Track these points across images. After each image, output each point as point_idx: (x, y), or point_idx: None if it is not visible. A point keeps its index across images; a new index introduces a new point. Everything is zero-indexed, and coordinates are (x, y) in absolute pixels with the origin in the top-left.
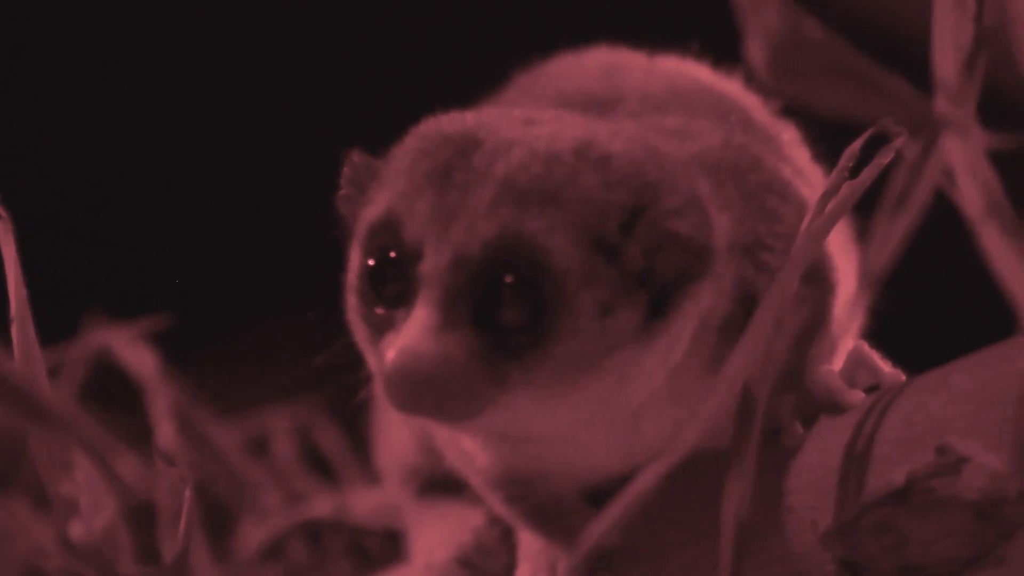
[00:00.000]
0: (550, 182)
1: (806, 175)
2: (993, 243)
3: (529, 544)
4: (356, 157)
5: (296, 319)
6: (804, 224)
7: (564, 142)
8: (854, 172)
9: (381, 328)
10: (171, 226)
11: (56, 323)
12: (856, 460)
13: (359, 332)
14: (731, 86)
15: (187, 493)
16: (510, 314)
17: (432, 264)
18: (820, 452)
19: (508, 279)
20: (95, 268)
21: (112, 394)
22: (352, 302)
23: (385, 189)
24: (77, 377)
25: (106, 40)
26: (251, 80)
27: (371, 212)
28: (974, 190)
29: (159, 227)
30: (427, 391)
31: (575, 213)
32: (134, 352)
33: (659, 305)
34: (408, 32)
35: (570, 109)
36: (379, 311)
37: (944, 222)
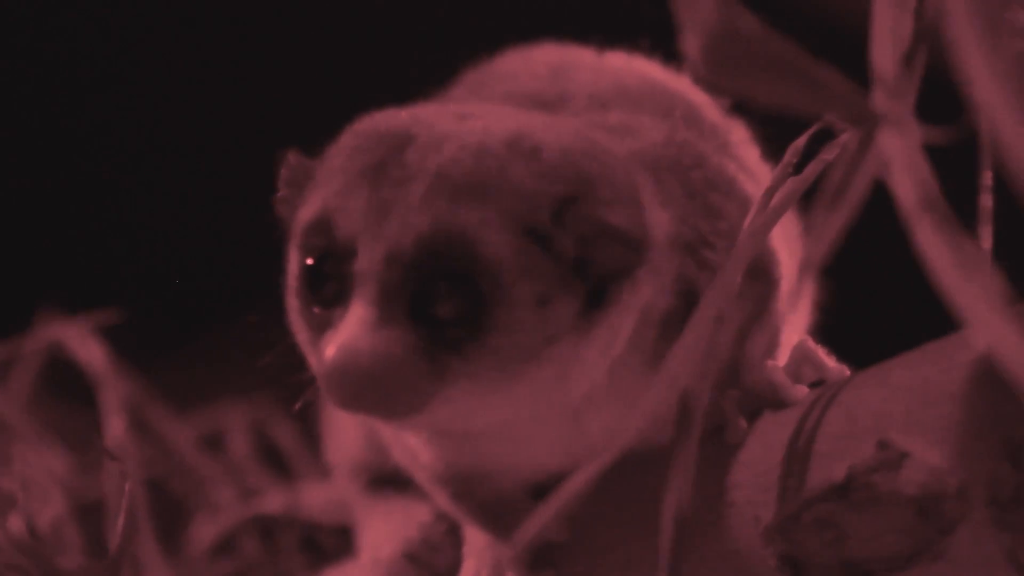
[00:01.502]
0: (481, 174)
1: (754, 173)
2: (927, 239)
3: (475, 540)
4: (292, 158)
5: (254, 316)
6: (747, 220)
7: (496, 135)
8: (798, 168)
9: (320, 328)
10: (130, 222)
11: (11, 318)
12: (798, 455)
13: (300, 334)
14: (680, 83)
15: (127, 488)
16: (446, 307)
17: (366, 261)
18: (763, 447)
19: (442, 272)
20: (53, 265)
21: (75, 387)
22: (292, 304)
23: (319, 188)
24: (32, 370)
25: (59, 37)
26: (217, 77)
27: (306, 212)
28: (909, 185)
29: (118, 223)
30: (366, 387)
31: (507, 204)
32: (85, 346)
33: (597, 296)
34: (362, 30)
35: (517, 108)
36: (317, 311)
37: (891, 217)
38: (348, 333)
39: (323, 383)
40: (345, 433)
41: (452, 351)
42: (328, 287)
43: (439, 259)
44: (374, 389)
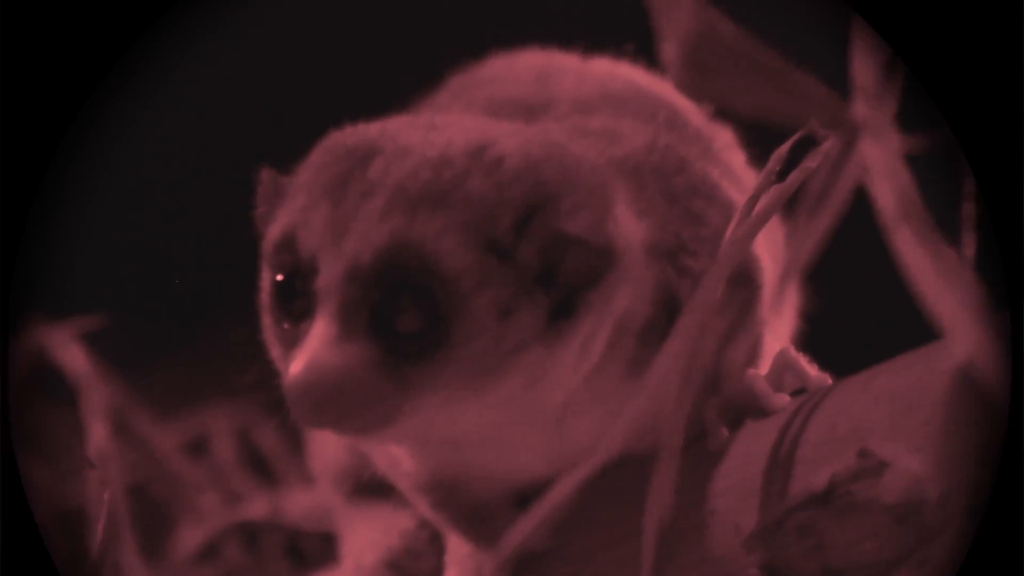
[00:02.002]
0: (439, 186)
1: (738, 178)
2: (906, 246)
3: (457, 548)
4: (265, 175)
5: (241, 331)
6: (730, 227)
7: (457, 146)
8: (782, 175)
9: (290, 344)
10: (117, 226)
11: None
12: (780, 463)
13: (273, 349)
14: (665, 89)
15: (106, 496)
16: (407, 320)
17: (327, 276)
18: (744, 455)
19: (401, 286)
20: (39, 270)
21: (60, 392)
22: (265, 321)
23: (287, 205)
24: (16, 376)
25: (50, 37)
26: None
27: (274, 229)
28: (889, 192)
29: (105, 227)
30: (328, 404)
31: (466, 216)
32: (68, 351)
33: (565, 306)
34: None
35: (500, 114)
36: (287, 327)
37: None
38: (309, 349)
39: (287, 401)
40: (328, 440)
41: (414, 364)
42: (297, 304)
43: (397, 272)
44: (336, 406)
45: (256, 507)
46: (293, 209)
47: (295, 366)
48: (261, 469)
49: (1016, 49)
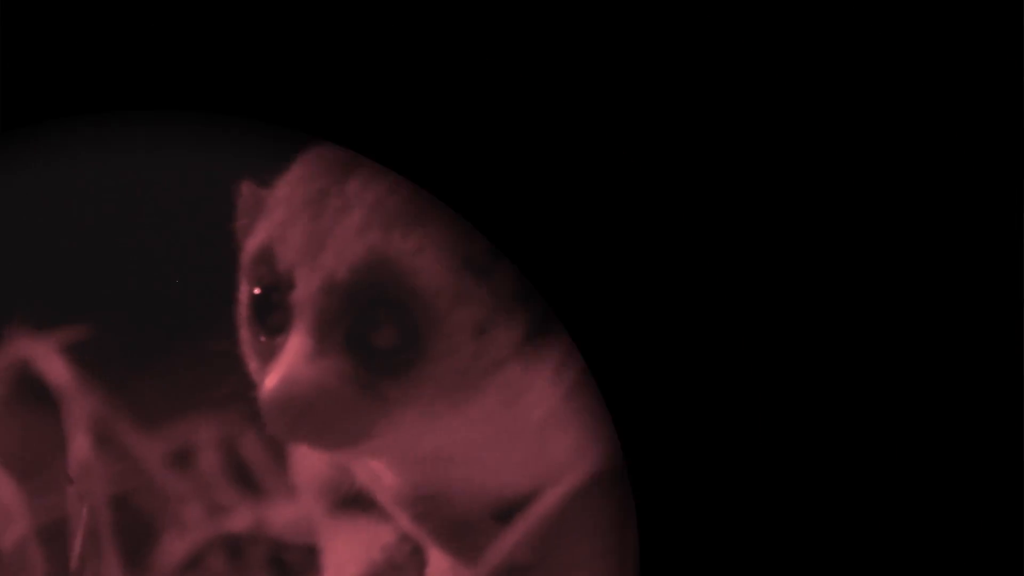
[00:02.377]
0: (419, 203)
1: None
2: None
3: (439, 562)
4: (245, 188)
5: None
6: None
7: None
8: None
9: (267, 357)
10: (103, 233)
11: None
12: None
13: (251, 362)
14: None
15: (84, 510)
16: (382, 336)
17: (303, 291)
18: None
19: (377, 301)
20: (24, 280)
21: (44, 403)
22: (242, 334)
23: (266, 218)
24: (3, 386)
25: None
26: None
27: (252, 243)
28: None
29: (90, 235)
30: (303, 418)
31: (444, 233)
32: (50, 362)
33: (545, 323)
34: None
35: None
36: (264, 340)
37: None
38: (284, 365)
39: (262, 415)
40: (311, 452)
41: (390, 379)
42: (274, 317)
43: (373, 288)
44: (311, 420)
45: (240, 519)
46: (272, 223)
47: (270, 380)
48: (245, 481)
49: None
